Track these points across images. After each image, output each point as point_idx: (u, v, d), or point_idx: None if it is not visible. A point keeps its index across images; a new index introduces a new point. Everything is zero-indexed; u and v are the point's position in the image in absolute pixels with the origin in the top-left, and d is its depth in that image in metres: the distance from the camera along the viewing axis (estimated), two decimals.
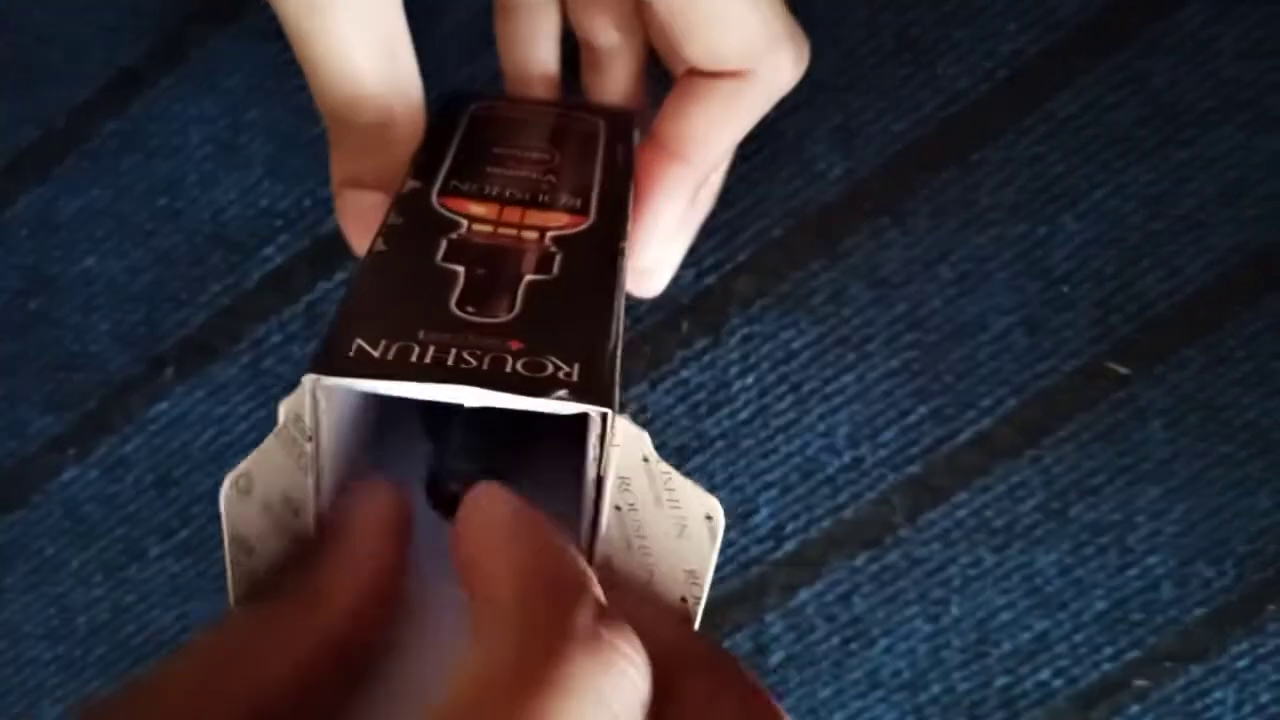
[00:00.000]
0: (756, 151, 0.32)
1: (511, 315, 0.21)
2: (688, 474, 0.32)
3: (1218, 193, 0.31)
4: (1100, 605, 0.32)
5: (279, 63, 0.33)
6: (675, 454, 0.33)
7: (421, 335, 0.20)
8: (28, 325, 0.35)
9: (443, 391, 0.18)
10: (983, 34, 0.31)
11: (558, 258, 0.23)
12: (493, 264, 0.22)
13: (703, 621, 0.33)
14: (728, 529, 0.33)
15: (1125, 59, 0.31)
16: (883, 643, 0.33)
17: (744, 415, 0.33)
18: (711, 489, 0.33)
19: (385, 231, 0.23)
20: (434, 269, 0.22)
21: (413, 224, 0.23)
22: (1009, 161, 0.31)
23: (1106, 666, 0.32)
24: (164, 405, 0.34)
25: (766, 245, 0.32)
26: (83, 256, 0.35)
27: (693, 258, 0.33)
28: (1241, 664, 0.32)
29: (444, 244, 0.23)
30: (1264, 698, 0.31)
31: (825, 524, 0.33)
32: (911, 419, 0.32)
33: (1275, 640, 0.31)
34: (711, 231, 0.33)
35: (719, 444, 0.33)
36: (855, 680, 0.33)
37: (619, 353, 0.21)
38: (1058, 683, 0.32)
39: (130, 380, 0.34)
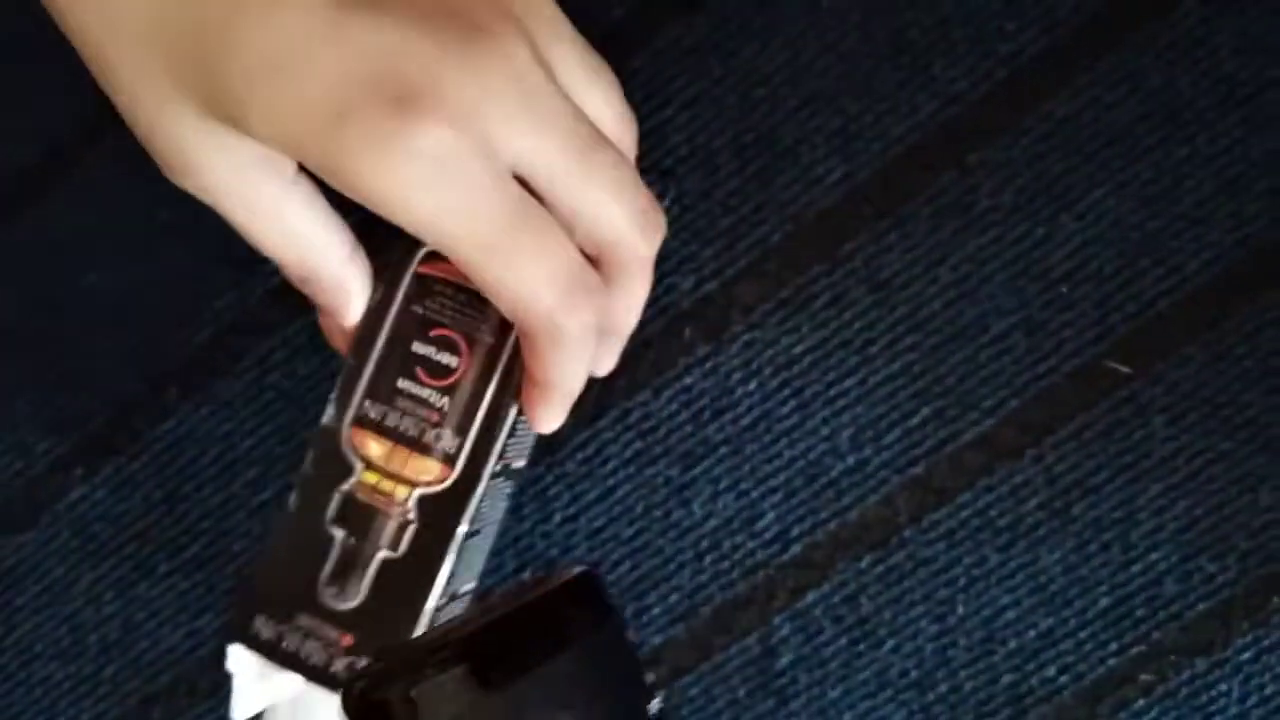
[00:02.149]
0: (755, 158, 0.32)
1: (357, 603, 0.27)
2: (691, 482, 0.33)
3: (1217, 190, 0.31)
4: (1104, 602, 0.32)
5: None
6: (680, 460, 0.33)
7: (300, 621, 0.27)
8: (30, 345, 0.35)
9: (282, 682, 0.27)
10: (980, 35, 0.31)
11: (409, 531, 0.28)
12: (362, 531, 0.28)
13: (711, 624, 0.33)
14: (735, 533, 0.33)
15: (1123, 57, 0.31)
16: (890, 643, 0.33)
17: (747, 421, 0.33)
18: (716, 495, 0.33)
19: (301, 483, 0.28)
20: (322, 533, 0.28)
21: (321, 473, 0.28)
22: (1008, 163, 0.31)
23: (1112, 662, 0.32)
24: (169, 423, 0.34)
25: (767, 251, 0.32)
26: (84, 275, 0.35)
27: (693, 264, 0.33)
28: (1245, 657, 0.32)
29: (335, 499, 0.28)
30: (1269, 690, 0.32)
31: (830, 527, 0.33)
32: (914, 421, 0.32)
33: (1279, 633, 0.32)
34: (712, 238, 0.33)
35: (723, 450, 0.33)
36: (864, 680, 0.33)
37: (421, 637, 0.27)
38: (1064, 679, 0.32)
39: (135, 399, 0.35)
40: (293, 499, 0.28)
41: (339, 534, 0.27)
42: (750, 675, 0.33)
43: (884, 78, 0.32)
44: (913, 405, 0.32)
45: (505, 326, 0.28)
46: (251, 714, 0.30)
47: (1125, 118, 0.31)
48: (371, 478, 0.28)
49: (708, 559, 0.33)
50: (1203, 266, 0.31)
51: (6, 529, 0.35)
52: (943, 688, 0.33)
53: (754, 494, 0.33)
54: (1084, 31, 0.31)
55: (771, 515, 0.33)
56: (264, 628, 0.27)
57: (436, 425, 0.28)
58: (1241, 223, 0.31)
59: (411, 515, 0.28)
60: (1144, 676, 0.32)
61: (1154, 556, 0.32)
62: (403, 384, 0.28)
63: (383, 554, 0.27)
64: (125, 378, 0.35)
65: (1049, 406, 0.32)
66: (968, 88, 0.31)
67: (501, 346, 0.28)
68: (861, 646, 0.33)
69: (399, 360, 0.28)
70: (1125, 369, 0.32)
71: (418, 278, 0.28)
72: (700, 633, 0.33)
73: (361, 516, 0.28)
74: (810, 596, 0.33)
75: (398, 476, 0.28)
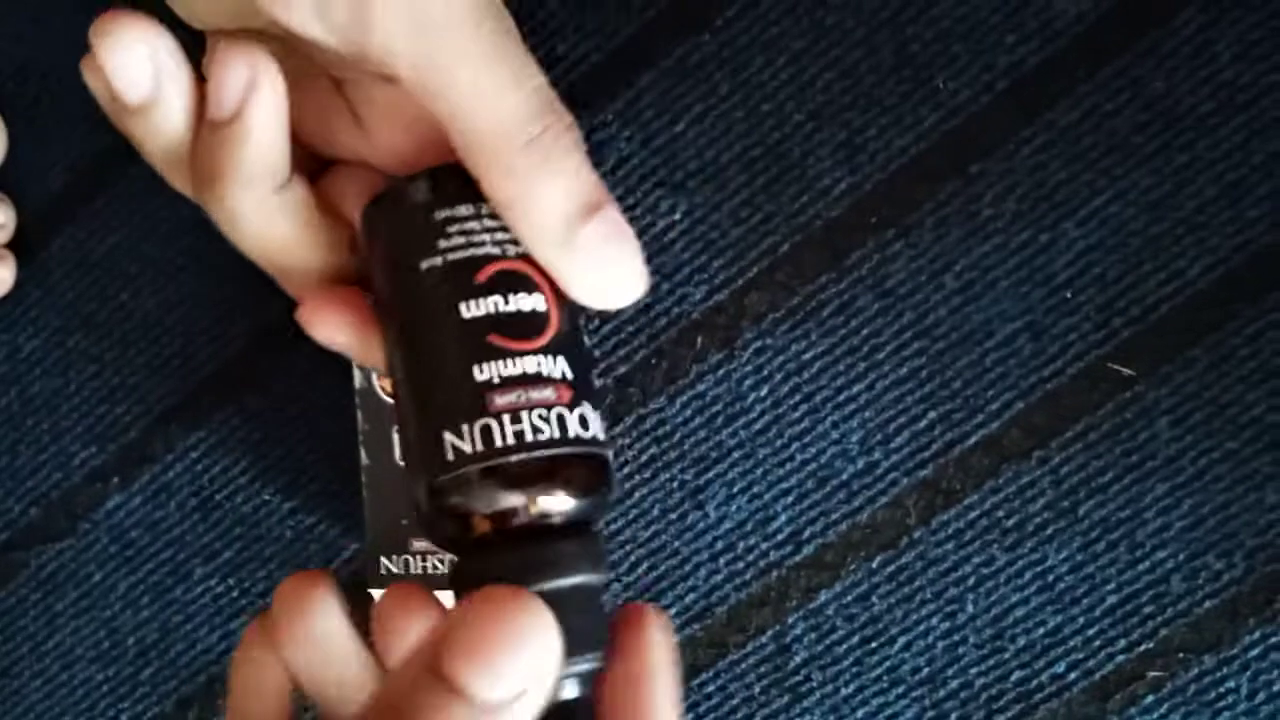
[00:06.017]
0: (763, 171, 0.33)
1: None
2: (706, 486, 0.33)
3: (1218, 195, 0.31)
4: (1112, 599, 0.33)
5: None
6: (694, 464, 0.34)
7: (415, 546, 0.31)
8: (68, 361, 0.36)
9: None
10: (981, 47, 0.32)
11: None
12: None
13: (726, 623, 0.34)
14: (749, 535, 0.34)
15: (1123, 66, 0.32)
16: (901, 641, 0.34)
17: (759, 425, 0.34)
18: (730, 497, 0.34)
19: (364, 440, 0.31)
20: (399, 470, 0.31)
21: (375, 425, 0.31)
22: (1010, 171, 0.32)
23: (1120, 659, 0.33)
24: (202, 433, 0.36)
25: (776, 261, 0.33)
26: (117, 293, 0.36)
27: (704, 275, 0.34)
28: (1254, 653, 0.32)
29: (396, 439, 0.31)
30: (1277, 686, 0.32)
31: (842, 528, 0.34)
32: (922, 424, 0.33)
33: None
34: (722, 249, 0.33)
35: (736, 454, 0.34)
36: (876, 677, 0.34)
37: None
38: (1073, 675, 0.33)
39: (169, 410, 0.36)
40: (363, 456, 0.31)
41: None
42: (765, 673, 0.34)
43: (887, 91, 0.32)
44: (920, 409, 0.33)
45: None
46: None
47: (1125, 125, 0.32)
48: None
49: (723, 560, 0.34)
50: (1204, 270, 0.32)
51: (47, 537, 0.37)
52: (953, 684, 0.33)
53: (767, 496, 0.34)
54: (1083, 41, 0.32)
55: (784, 517, 0.34)
56: (391, 565, 0.31)
57: None
58: (1242, 227, 0.31)
59: None
60: (1153, 673, 0.33)
61: (1161, 555, 0.32)
62: None
63: None
64: (160, 390, 0.36)
65: (1054, 409, 0.32)
66: (970, 99, 0.32)
67: None
68: (874, 644, 0.34)
69: None
70: (1129, 371, 0.32)
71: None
72: (716, 632, 0.34)
73: None
74: (823, 596, 0.34)
75: None
